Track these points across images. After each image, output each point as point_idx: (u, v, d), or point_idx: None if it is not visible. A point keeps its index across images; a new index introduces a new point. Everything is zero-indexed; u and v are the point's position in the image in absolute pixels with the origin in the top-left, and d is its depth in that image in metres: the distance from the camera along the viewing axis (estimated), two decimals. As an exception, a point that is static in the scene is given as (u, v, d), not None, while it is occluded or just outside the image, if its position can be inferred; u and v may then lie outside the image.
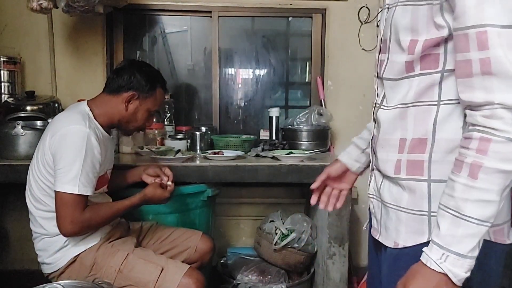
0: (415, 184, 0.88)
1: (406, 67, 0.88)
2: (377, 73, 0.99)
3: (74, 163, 1.48)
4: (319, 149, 2.35)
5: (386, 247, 0.95)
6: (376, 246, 1.03)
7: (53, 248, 1.60)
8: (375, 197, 1.01)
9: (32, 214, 1.63)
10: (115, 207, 1.62)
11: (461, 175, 0.76)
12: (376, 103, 0.99)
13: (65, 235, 1.53)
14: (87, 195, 1.52)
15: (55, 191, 1.50)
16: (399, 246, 0.91)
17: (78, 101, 1.86)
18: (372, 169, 1.03)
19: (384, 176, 0.96)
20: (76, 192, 1.48)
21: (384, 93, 0.95)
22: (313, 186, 1.20)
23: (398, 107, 0.91)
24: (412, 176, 0.89)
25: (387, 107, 0.95)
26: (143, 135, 2.39)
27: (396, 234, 0.92)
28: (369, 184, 1.04)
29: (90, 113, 1.63)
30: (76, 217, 1.49)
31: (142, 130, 1.84)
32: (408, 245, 0.89)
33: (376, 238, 0.99)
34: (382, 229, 0.97)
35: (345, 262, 2.06)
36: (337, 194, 1.23)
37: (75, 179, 1.48)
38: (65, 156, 1.49)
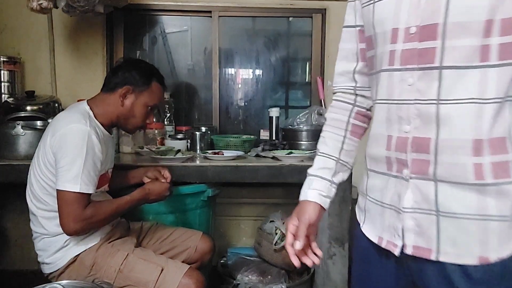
0: (508, 188, 0.80)
1: (480, 52, 0.79)
2: (417, 63, 0.84)
3: (76, 161, 1.48)
4: (319, 149, 2.35)
5: (448, 266, 0.83)
6: (412, 268, 0.89)
7: (53, 248, 1.60)
8: (418, 210, 0.85)
9: (33, 214, 1.63)
10: (117, 202, 1.62)
11: None
12: (419, 99, 0.83)
13: (68, 234, 1.53)
14: (89, 194, 1.52)
15: (57, 190, 1.50)
16: (492, 261, 0.80)
17: (78, 101, 1.86)
18: (406, 179, 0.86)
19: (444, 183, 0.82)
20: (78, 191, 1.48)
21: (440, 85, 0.81)
22: (299, 247, 0.98)
23: (473, 102, 0.79)
24: (503, 179, 0.80)
25: (451, 100, 0.81)
26: (143, 135, 2.39)
27: (483, 248, 0.80)
28: (400, 198, 0.87)
29: (91, 112, 1.63)
30: (79, 215, 1.49)
31: (143, 127, 1.84)
32: (505, 256, 0.80)
33: (429, 258, 0.84)
34: (443, 246, 0.83)
35: (346, 262, 2.06)
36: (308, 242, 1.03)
37: (77, 177, 1.48)
38: (66, 155, 1.49)
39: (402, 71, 0.86)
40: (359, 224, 1.03)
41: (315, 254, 1.02)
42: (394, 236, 0.89)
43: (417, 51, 0.83)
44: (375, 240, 0.96)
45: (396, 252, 0.89)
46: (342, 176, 1.07)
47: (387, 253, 0.92)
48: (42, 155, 1.58)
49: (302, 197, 1.06)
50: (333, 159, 1.05)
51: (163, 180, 1.78)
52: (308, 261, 1.01)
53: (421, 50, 0.83)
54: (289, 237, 1.02)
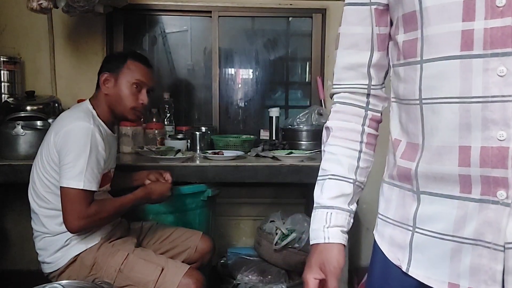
0: None
1: None
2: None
3: (79, 158, 1.49)
4: (319, 149, 2.35)
5: None
6: None
7: (53, 247, 1.60)
8: None
9: (34, 213, 1.64)
10: (120, 201, 1.63)
11: None
12: (511, 93, 0.64)
13: (71, 231, 1.53)
14: (93, 191, 1.53)
15: (61, 187, 1.51)
16: None
17: (78, 101, 1.86)
18: (506, 203, 0.65)
19: None
20: (82, 187, 1.49)
21: None
22: None
23: None
24: None
25: None
26: (143, 135, 2.39)
27: None
28: (500, 229, 0.66)
29: (94, 111, 1.65)
30: (82, 212, 1.49)
31: (139, 110, 1.74)
32: None
33: None
34: None
35: (345, 262, 2.06)
36: None
37: (80, 174, 1.49)
38: (70, 152, 1.50)
39: (487, 57, 0.65)
40: (398, 267, 0.78)
41: None
42: (487, 282, 0.67)
43: (510, 29, 0.63)
44: None
45: None
46: (355, 200, 0.86)
47: None
48: (45, 153, 1.58)
49: (319, 238, 0.81)
50: (350, 182, 0.83)
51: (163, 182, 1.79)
52: None
53: None
54: None
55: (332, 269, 0.78)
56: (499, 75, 0.64)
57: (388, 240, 0.81)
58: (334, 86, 0.88)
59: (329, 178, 0.84)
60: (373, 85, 0.84)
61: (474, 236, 0.68)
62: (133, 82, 1.68)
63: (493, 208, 0.66)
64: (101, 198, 1.65)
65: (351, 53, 0.83)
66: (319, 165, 0.88)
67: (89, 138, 1.52)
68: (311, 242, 0.83)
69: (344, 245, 0.81)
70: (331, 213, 0.81)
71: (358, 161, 0.84)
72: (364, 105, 0.85)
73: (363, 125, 0.85)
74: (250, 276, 2.19)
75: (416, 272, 0.75)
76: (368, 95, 0.85)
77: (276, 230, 2.22)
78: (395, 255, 0.79)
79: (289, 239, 2.15)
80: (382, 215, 0.84)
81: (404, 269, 0.77)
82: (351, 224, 0.84)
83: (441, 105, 0.69)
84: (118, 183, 1.82)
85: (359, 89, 0.85)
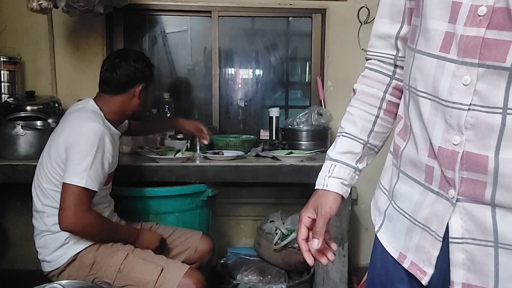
0: None
1: None
2: (479, 58, 0.63)
3: (85, 157, 1.51)
4: (319, 149, 2.35)
5: None
6: None
7: (53, 246, 1.60)
8: (471, 241, 0.68)
9: (36, 210, 1.64)
10: (115, 226, 1.70)
11: None
12: (477, 105, 0.64)
13: (62, 226, 1.51)
14: (93, 192, 1.54)
15: (63, 183, 1.51)
16: None
17: (78, 101, 1.86)
18: (452, 202, 0.69)
19: (506, 209, 0.65)
20: (83, 185, 1.50)
21: (509, 90, 0.62)
22: (317, 246, 0.84)
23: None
24: None
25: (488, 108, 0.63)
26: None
27: None
28: (442, 223, 0.71)
29: (101, 113, 1.66)
30: (80, 209, 1.49)
31: None
32: None
33: None
34: (502, 285, 0.67)
35: (345, 262, 2.07)
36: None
37: (84, 172, 1.50)
38: (77, 150, 1.52)
39: (458, 64, 0.65)
40: (374, 226, 0.89)
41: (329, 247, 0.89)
42: (424, 261, 0.75)
43: (481, 40, 0.62)
44: (394, 254, 0.82)
45: (425, 281, 0.74)
46: (367, 161, 0.92)
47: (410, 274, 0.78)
48: (54, 153, 1.59)
49: (320, 185, 0.89)
50: (360, 142, 0.89)
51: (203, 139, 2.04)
52: (323, 260, 0.88)
53: (488, 41, 0.62)
54: (303, 231, 0.87)
55: (323, 213, 0.86)
56: (463, 84, 0.65)
57: (375, 201, 0.92)
58: (367, 52, 0.92)
59: (343, 136, 0.91)
60: (399, 57, 0.86)
61: (423, 222, 0.75)
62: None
63: (444, 204, 0.71)
64: (102, 196, 1.67)
65: (383, 22, 0.86)
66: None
67: (97, 138, 1.54)
68: (315, 188, 0.91)
69: (342, 196, 0.89)
70: (335, 165, 0.89)
71: (373, 125, 0.90)
72: (390, 74, 0.89)
73: (385, 92, 0.89)
74: (250, 276, 2.19)
75: (382, 236, 0.86)
76: (396, 65, 0.88)
77: (276, 230, 2.22)
78: (374, 215, 0.91)
79: (289, 239, 2.16)
80: (379, 180, 0.92)
81: (375, 230, 0.88)
82: (355, 179, 0.91)
83: (419, 98, 0.73)
84: (150, 129, 2.01)
85: (387, 58, 0.88)
